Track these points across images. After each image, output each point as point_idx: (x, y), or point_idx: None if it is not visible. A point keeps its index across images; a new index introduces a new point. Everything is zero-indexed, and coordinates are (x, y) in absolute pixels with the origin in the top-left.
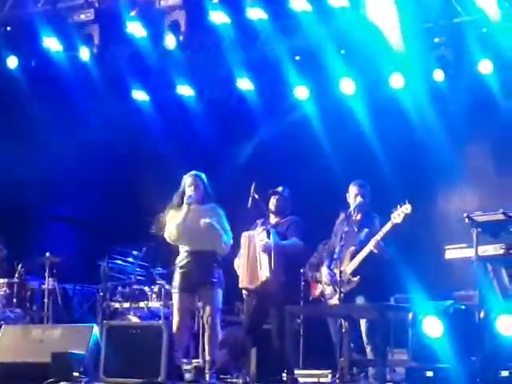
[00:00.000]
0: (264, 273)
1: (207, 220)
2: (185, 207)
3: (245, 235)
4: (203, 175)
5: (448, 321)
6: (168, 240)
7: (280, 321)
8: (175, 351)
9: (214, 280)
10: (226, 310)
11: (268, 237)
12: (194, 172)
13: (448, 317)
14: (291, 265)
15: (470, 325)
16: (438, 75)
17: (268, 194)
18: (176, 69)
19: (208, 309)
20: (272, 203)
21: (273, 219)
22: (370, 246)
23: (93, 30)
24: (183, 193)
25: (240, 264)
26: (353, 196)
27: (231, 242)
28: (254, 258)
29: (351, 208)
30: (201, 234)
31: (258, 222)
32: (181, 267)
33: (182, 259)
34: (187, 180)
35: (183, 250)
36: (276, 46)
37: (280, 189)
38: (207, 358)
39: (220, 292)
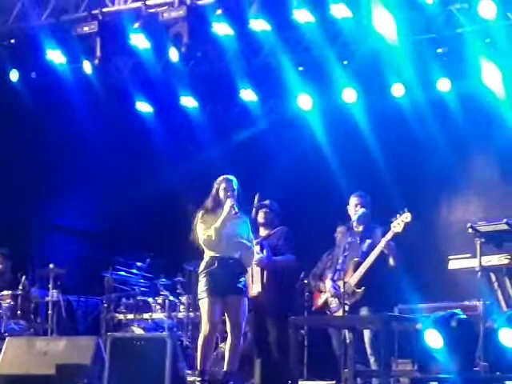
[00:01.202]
0: (256, 287)
1: (248, 244)
2: (225, 213)
3: None
4: (235, 180)
5: (450, 332)
6: (203, 244)
7: (278, 333)
8: (180, 362)
9: (243, 288)
10: None
11: (261, 251)
12: (229, 176)
13: (450, 328)
14: (284, 279)
15: (473, 336)
16: (442, 84)
17: (255, 208)
18: (179, 80)
19: (235, 317)
20: (261, 216)
21: (263, 232)
22: (375, 253)
23: (95, 43)
24: (217, 196)
25: None
26: (353, 207)
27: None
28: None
29: (353, 219)
30: (235, 245)
31: None
32: (208, 273)
33: (209, 265)
34: (223, 184)
35: (211, 256)
36: (279, 57)
37: (267, 202)
38: (226, 369)
39: (246, 301)
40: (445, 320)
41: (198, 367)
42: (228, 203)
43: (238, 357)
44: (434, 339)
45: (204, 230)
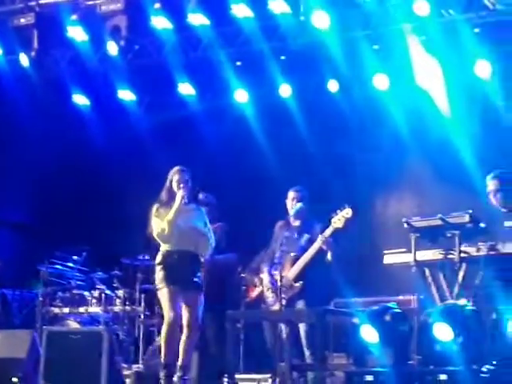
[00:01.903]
0: None
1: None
2: (177, 205)
3: None
4: (188, 171)
5: (384, 326)
6: (157, 237)
7: (215, 327)
8: (116, 356)
9: (200, 282)
10: None
11: None
12: (181, 167)
13: (384, 322)
14: (223, 274)
15: (407, 330)
16: (378, 81)
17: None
18: (117, 73)
19: (192, 311)
20: None
21: None
22: (315, 248)
23: (32, 34)
24: (171, 188)
25: None
26: (291, 201)
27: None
28: None
29: (290, 213)
30: (191, 236)
31: None
32: (164, 265)
33: (166, 257)
34: (175, 176)
35: (167, 249)
36: (217, 51)
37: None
38: (181, 363)
39: (203, 295)
40: (379, 314)
41: (163, 360)
42: (179, 194)
43: (192, 350)
44: (368, 333)
45: (158, 223)
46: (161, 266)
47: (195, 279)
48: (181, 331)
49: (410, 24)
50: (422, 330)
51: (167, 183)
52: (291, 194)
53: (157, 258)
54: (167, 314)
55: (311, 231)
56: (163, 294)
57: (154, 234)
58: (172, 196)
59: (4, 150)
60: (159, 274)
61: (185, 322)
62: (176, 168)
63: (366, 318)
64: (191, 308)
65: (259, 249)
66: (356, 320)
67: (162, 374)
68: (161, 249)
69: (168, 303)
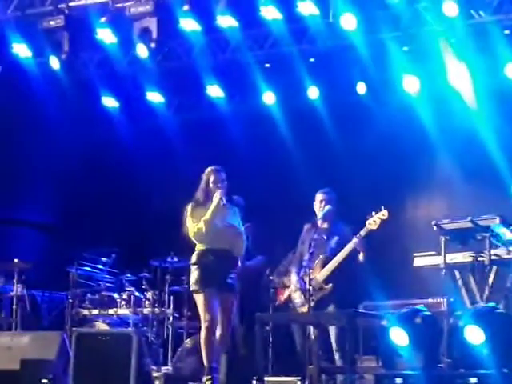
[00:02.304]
0: None
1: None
2: (214, 204)
3: None
4: (223, 171)
5: (414, 329)
6: (193, 237)
7: (244, 329)
8: (145, 358)
9: (234, 284)
10: (193, 317)
11: None
12: (216, 167)
13: (414, 325)
14: (253, 278)
15: (437, 332)
16: (409, 84)
17: None
18: (146, 75)
19: (225, 313)
20: None
21: None
22: (348, 249)
23: (62, 37)
24: (206, 188)
25: None
26: (318, 203)
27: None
28: None
29: (319, 216)
30: (227, 235)
31: None
32: (199, 266)
33: (201, 256)
34: (212, 176)
35: (202, 248)
36: (246, 54)
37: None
38: (213, 364)
39: (237, 296)
40: (409, 317)
41: (205, 364)
42: (217, 195)
43: (224, 351)
44: (398, 336)
45: (194, 222)
46: (195, 266)
47: (230, 281)
48: None
49: (440, 26)
50: (453, 333)
51: (202, 183)
52: (319, 197)
53: (192, 257)
54: (203, 317)
55: (340, 233)
56: (199, 297)
57: (190, 234)
58: (208, 196)
59: (33, 151)
60: (194, 274)
61: (218, 321)
62: (211, 168)
63: (395, 320)
64: (225, 310)
65: (286, 251)
66: (385, 322)
67: (205, 379)
68: (196, 248)
69: (204, 306)
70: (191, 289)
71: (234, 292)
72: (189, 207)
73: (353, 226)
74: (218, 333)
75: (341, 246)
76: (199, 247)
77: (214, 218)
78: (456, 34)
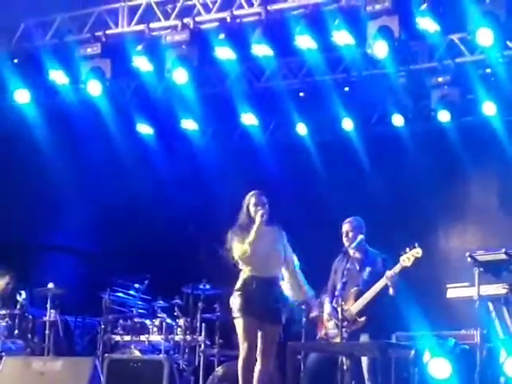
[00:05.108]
0: None
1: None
2: (257, 225)
3: None
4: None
5: (454, 361)
6: (239, 260)
7: (278, 359)
8: None
9: (280, 317)
10: (225, 344)
11: None
12: (257, 191)
13: (454, 357)
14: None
15: (472, 365)
16: (442, 115)
17: None
18: (180, 103)
19: (270, 344)
20: None
21: None
22: (380, 285)
23: (103, 64)
24: (248, 212)
25: None
26: (344, 233)
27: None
28: None
29: (352, 245)
30: (272, 258)
31: None
32: (243, 293)
33: (246, 284)
34: (252, 199)
35: (248, 274)
36: (280, 82)
37: None
38: None
39: (280, 328)
40: (452, 349)
41: None
42: (259, 214)
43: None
44: (439, 368)
45: (239, 246)
46: (239, 293)
47: (275, 313)
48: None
49: (474, 56)
50: (487, 366)
51: (244, 208)
52: (345, 227)
53: (237, 283)
54: (242, 345)
55: (373, 264)
56: (238, 324)
57: (236, 258)
58: (250, 220)
59: (69, 177)
60: (236, 301)
61: (259, 352)
62: (252, 192)
63: (436, 352)
64: (267, 341)
65: (322, 281)
66: (419, 354)
67: None
68: (242, 274)
69: (243, 334)
70: (233, 315)
71: (278, 323)
72: (232, 232)
73: (385, 256)
74: (256, 368)
75: (373, 277)
76: (245, 273)
77: (259, 239)
78: (490, 64)
